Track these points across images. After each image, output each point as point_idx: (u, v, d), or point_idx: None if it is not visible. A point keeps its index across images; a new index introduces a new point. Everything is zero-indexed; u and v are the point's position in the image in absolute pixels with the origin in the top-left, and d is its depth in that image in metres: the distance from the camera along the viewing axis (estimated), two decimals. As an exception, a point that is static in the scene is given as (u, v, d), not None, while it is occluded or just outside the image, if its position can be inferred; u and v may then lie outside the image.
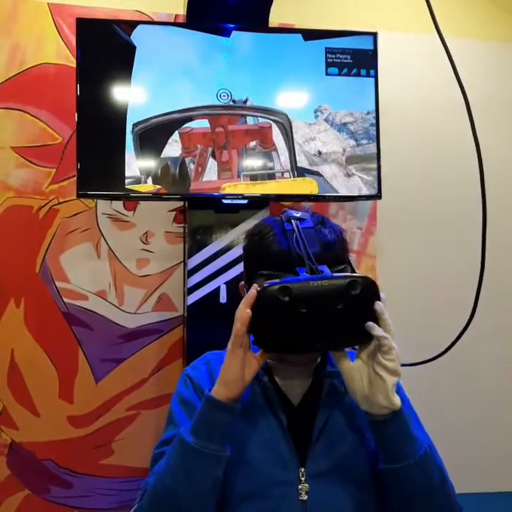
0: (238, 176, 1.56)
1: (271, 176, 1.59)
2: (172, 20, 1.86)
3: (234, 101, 1.58)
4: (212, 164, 1.56)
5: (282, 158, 1.59)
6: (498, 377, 2.07)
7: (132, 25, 1.56)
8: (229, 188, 1.55)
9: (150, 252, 1.85)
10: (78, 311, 1.80)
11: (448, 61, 1.22)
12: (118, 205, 1.83)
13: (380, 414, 0.85)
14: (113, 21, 1.58)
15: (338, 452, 0.94)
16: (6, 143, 1.78)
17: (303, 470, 0.92)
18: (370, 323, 0.83)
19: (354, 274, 0.85)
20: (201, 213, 1.69)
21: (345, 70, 1.66)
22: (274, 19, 1.78)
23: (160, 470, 0.88)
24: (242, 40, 1.60)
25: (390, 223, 2.00)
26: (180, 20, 1.85)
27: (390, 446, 0.87)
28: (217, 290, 1.65)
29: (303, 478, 0.91)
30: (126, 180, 1.52)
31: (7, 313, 1.76)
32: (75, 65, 1.55)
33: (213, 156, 1.56)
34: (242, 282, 1.01)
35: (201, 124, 1.56)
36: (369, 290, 0.83)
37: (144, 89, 1.55)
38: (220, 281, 1.65)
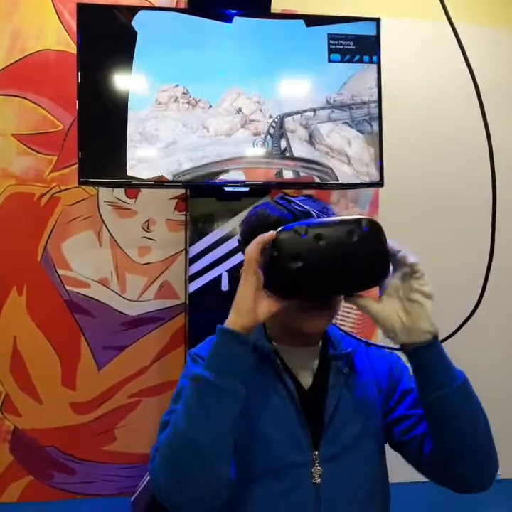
0: None
1: None
2: (173, 6, 1.85)
3: (272, 149, 1.59)
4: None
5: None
6: (504, 362, 2.07)
7: (133, 10, 1.55)
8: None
9: (152, 239, 1.85)
10: (80, 298, 1.81)
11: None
12: (119, 192, 1.83)
13: (422, 340, 0.85)
14: (114, 7, 1.57)
15: (348, 434, 0.95)
16: (6, 130, 1.77)
17: (316, 453, 0.92)
18: (404, 252, 0.85)
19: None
20: (203, 201, 1.68)
21: (347, 57, 1.64)
22: (277, 5, 1.76)
23: (174, 419, 0.83)
24: (244, 26, 1.59)
25: (392, 211, 2.00)
26: (182, 5, 1.84)
27: (438, 370, 0.86)
28: (218, 278, 1.65)
29: (317, 462, 0.92)
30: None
31: (9, 301, 1.77)
32: (75, 52, 1.54)
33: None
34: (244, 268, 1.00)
35: (237, 176, 1.57)
36: (376, 227, 0.85)
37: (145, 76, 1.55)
38: (222, 269, 1.65)
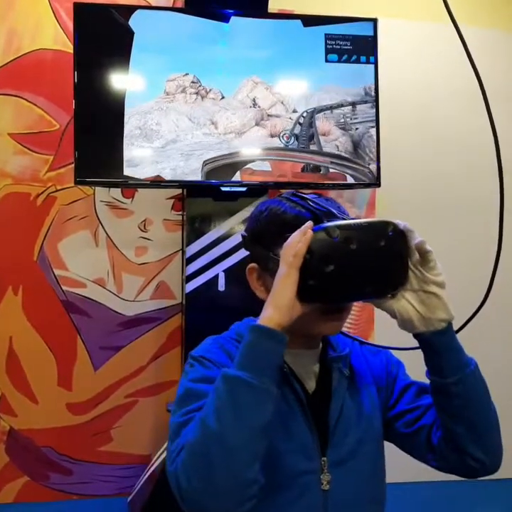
0: None
1: None
2: (170, 6, 1.84)
3: (298, 141, 1.44)
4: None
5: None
6: (504, 364, 2.07)
7: (130, 10, 1.55)
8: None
9: (148, 239, 1.85)
10: (76, 298, 1.80)
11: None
12: (116, 192, 1.83)
13: (439, 328, 0.86)
14: (111, 6, 1.56)
15: (353, 438, 0.94)
16: (3, 129, 1.77)
17: (325, 459, 0.91)
18: (420, 240, 0.84)
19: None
20: (200, 201, 1.68)
21: (344, 57, 1.64)
22: (274, 5, 1.76)
23: (202, 420, 0.78)
24: (241, 25, 1.58)
25: (388, 211, 2.00)
26: (179, 5, 1.83)
27: (454, 354, 0.88)
28: (215, 278, 1.64)
29: (325, 468, 0.90)
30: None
31: (5, 301, 1.76)
32: (72, 51, 1.54)
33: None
34: (252, 265, 0.94)
35: (262, 167, 1.48)
36: (400, 232, 0.84)
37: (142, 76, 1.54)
38: (219, 269, 1.64)
